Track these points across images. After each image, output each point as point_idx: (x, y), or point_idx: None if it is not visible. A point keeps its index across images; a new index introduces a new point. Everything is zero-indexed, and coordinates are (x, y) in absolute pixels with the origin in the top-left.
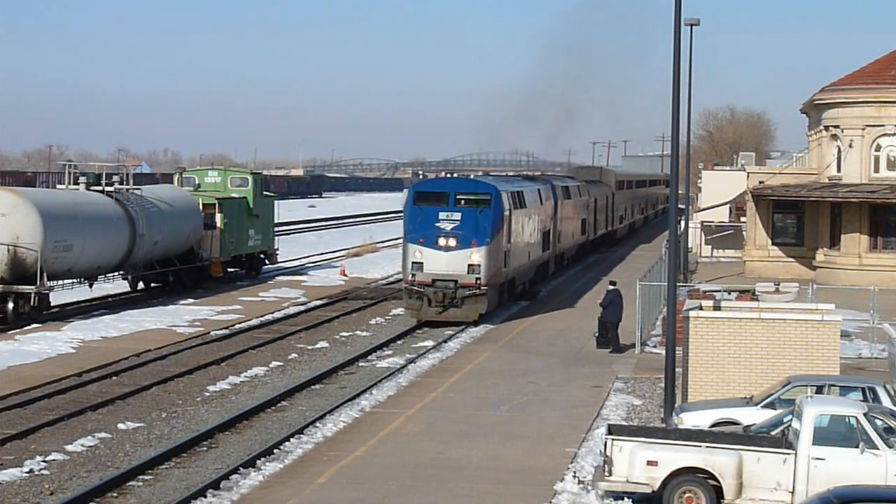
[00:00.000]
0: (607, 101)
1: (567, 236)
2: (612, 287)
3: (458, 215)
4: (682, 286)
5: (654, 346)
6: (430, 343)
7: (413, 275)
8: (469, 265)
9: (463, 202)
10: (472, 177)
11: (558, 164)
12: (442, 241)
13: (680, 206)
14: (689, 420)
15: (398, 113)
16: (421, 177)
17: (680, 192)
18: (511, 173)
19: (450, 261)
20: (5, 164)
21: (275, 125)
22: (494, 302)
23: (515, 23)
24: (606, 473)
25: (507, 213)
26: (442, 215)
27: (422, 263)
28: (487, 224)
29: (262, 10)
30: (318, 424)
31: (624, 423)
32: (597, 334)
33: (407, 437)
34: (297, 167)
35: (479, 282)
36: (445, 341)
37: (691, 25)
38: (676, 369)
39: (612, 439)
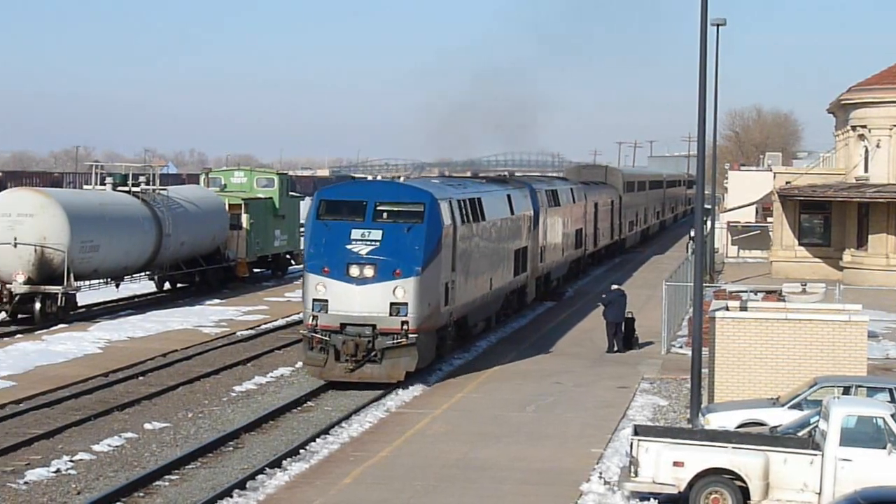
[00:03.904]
0: (632, 100)
1: (554, 252)
2: (614, 287)
3: (377, 233)
4: (709, 287)
5: (681, 347)
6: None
7: (314, 317)
8: (392, 304)
9: (385, 215)
10: (404, 180)
11: (584, 164)
12: (354, 271)
13: (706, 206)
14: (716, 421)
15: (423, 113)
16: (372, 178)
17: (706, 192)
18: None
19: (365, 298)
20: (32, 164)
21: (301, 126)
22: (430, 353)
23: (544, 23)
24: (632, 474)
25: (449, 228)
26: (356, 233)
27: (326, 301)
28: (418, 245)
29: (290, 11)
30: (343, 425)
31: (650, 423)
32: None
33: (433, 437)
34: (322, 167)
35: (406, 327)
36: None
37: (717, 25)
38: (703, 370)
39: (639, 440)
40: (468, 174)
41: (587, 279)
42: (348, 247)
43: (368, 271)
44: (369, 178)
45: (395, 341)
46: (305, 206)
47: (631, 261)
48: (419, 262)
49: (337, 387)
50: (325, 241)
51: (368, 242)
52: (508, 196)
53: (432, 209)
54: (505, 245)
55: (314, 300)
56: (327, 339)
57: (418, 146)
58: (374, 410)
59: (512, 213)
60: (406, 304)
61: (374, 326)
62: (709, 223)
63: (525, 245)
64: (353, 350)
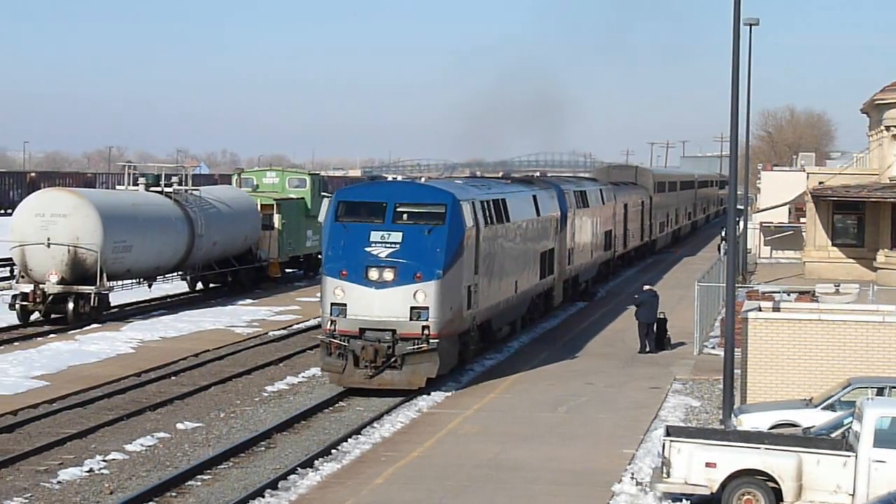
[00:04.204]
0: (665, 101)
1: (582, 254)
2: (647, 287)
3: (398, 236)
4: (741, 287)
5: (713, 348)
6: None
7: (332, 321)
8: (413, 308)
9: (406, 217)
10: (426, 181)
11: (614, 164)
12: (374, 274)
13: (739, 206)
14: (748, 422)
15: (454, 113)
16: (392, 178)
17: (739, 192)
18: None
19: (385, 302)
20: (65, 165)
21: (333, 126)
22: (452, 359)
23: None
24: (664, 475)
25: (472, 230)
26: (375, 236)
27: (345, 306)
28: (440, 248)
29: (320, 11)
30: (375, 425)
31: (682, 424)
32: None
33: (464, 437)
34: (354, 168)
35: (427, 332)
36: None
37: (750, 25)
38: (735, 371)
39: (671, 441)
40: (500, 175)
41: (619, 280)
42: (367, 249)
43: (388, 275)
44: (399, 178)
45: (415, 347)
46: None
47: (663, 261)
48: (440, 264)
49: (356, 393)
50: (344, 243)
51: (388, 245)
52: (534, 197)
53: (454, 210)
54: (530, 247)
55: (332, 304)
56: (346, 344)
57: (450, 146)
58: (406, 411)
59: (538, 214)
60: (427, 308)
61: (394, 331)
62: (741, 223)
63: (552, 247)
64: (372, 356)
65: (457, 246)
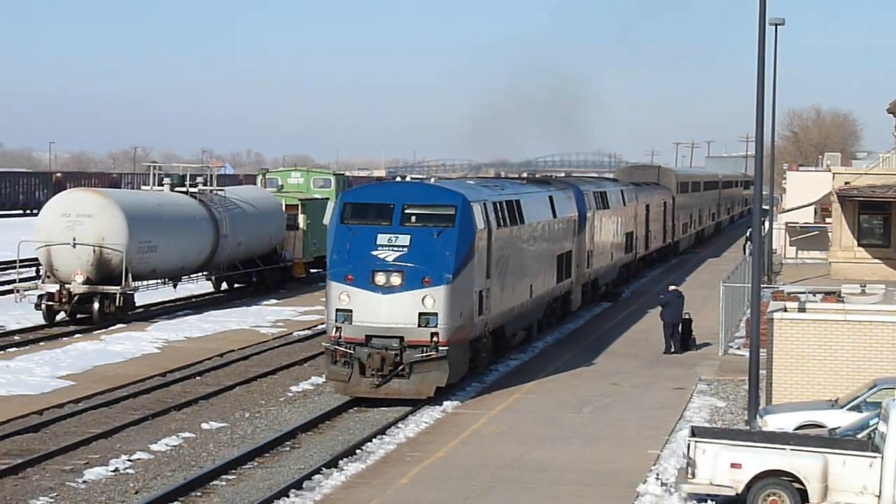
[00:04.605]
0: (690, 101)
1: (602, 256)
2: (672, 288)
3: (405, 238)
4: (767, 288)
5: (738, 348)
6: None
7: (338, 328)
8: (421, 314)
9: (414, 219)
10: (435, 181)
11: (636, 164)
12: (381, 279)
13: (764, 207)
14: (774, 423)
15: (478, 113)
16: (409, 177)
17: (764, 192)
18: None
19: (392, 308)
20: (91, 165)
21: (357, 126)
22: (462, 367)
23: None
24: (689, 476)
25: (483, 232)
26: (382, 239)
27: (350, 312)
28: (449, 251)
29: (348, 11)
30: (400, 425)
31: (707, 425)
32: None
33: (489, 438)
34: (379, 168)
35: (436, 339)
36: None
37: (776, 25)
38: (760, 371)
39: (696, 441)
40: (523, 175)
41: (644, 280)
42: (374, 253)
43: (395, 279)
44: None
45: (424, 354)
46: None
47: (688, 261)
48: (450, 268)
49: (363, 403)
50: (349, 246)
51: (395, 248)
52: (550, 198)
53: (464, 212)
54: (546, 249)
55: (337, 310)
56: (352, 352)
57: (474, 147)
58: (431, 411)
59: (554, 215)
60: (436, 314)
61: (401, 338)
62: (766, 224)
63: (569, 249)
64: (379, 364)
65: (467, 249)
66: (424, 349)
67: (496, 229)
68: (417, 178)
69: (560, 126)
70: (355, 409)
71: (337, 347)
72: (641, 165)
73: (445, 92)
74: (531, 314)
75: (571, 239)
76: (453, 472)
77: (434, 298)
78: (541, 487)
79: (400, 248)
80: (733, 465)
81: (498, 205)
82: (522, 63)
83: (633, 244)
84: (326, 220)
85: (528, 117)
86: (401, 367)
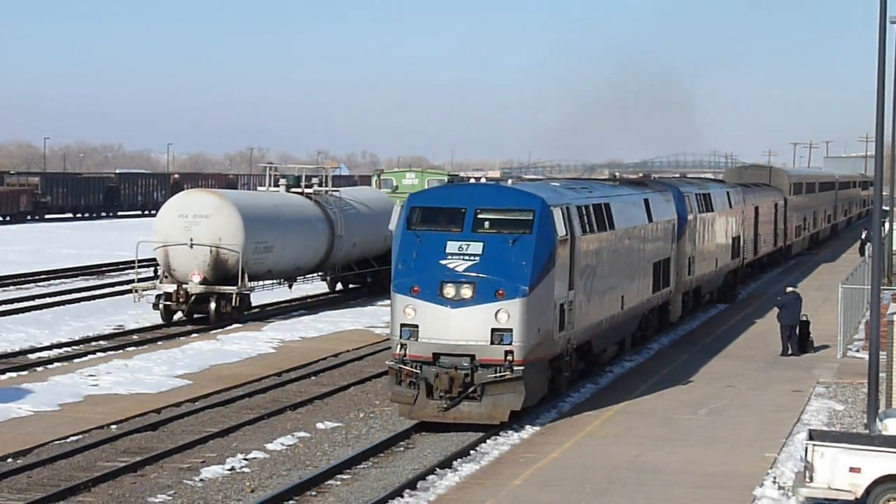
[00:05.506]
0: (808, 101)
1: (705, 263)
2: (790, 289)
3: (477, 247)
4: (887, 289)
5: (857, 351)
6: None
7: (402, 345)
8: (494, 330)
9: (487, 225)
10: (513, 183)
11: (746, 164)
12: (450, 291)
13: (884, 207)
14: (894, 426)
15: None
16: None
17: (885, 192)
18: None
19: (462, 323)
20: (208, 166)
21: (472, 127)
22: (540, 388)
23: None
24: (807, 479)
25: (565, 239)
26: (452, 247)
27: (416, 327)
28: (526, 261)
29: (452, 13)
30: (514, 426)
31: (825, 428)
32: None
33: (603, 439)
34: (494, 168)
35: (510, 357)
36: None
37: None
38: (880, 374)
39: (814, 445)
40: (640, 175)
41: (760, 282)
42: (443, 262)
43: (466, 291)
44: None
45: (497, 375)
46: None
47: (804, 263)
48: (526, 280)
49: (428, 428)
50: (416, 255)
51: (467, 257)
52: (646, 201)
53: (543, 217)
54: (640, 257)
55: (402, 325)
56: (418, 371)
57: (587, 147)
58: (546, 412)
59: (650, 219)
60: (511, 329)
61: (472, 357)
62: (887, 225)
63: (667, 256)
64: (447, 385)
65: (546, 258)
66: (498, 369)
67: (581, 235)
68: (530, 179)
69: (674, 127)
70: None
71: (402, 367)
72: (752, 165)
73: (559, 92)
74: (623, 327)
75: (670, 245)
76: (567, 474)
77: (508, 313)
78: (656, 490)
79: (471, 258)
80: (852, 470)
81: (583, 209)
82: (636, 63)
83: (741, 249)
84: (392, 225)
85: (642, 118)
86: (471, 389)
